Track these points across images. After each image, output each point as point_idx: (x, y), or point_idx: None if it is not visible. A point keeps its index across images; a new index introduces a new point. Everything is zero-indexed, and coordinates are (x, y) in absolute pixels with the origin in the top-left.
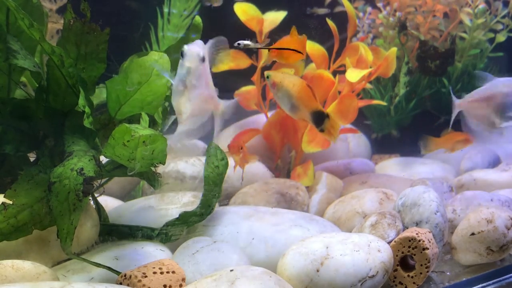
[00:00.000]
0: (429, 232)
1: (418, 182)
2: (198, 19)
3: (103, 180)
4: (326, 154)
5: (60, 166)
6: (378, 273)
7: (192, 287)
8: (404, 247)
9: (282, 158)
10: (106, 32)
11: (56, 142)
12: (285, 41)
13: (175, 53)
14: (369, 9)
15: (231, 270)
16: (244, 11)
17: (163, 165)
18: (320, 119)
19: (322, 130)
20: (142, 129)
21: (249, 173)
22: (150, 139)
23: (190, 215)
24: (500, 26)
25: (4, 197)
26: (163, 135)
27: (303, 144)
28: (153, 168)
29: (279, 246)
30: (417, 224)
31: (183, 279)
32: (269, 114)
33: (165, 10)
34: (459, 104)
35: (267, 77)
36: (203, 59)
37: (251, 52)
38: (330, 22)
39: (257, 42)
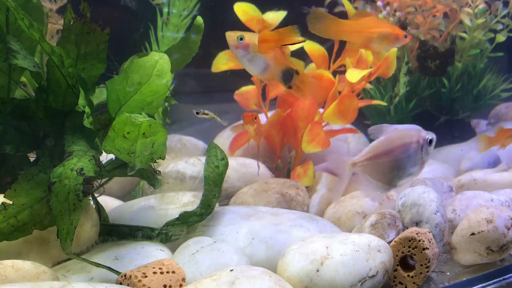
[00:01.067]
0: (429, 232)
1: (418, 182)
2: (199, 19)
3: (103, 180)
4: (326, 154)
5: (60, 166)
6: (378, 273)
7: (192, 287)
8: (404, 247)
9: (282, 158)
10: (106, 32)
11: (56, 142)
12: (277, 32)
13: (176, 54)
14: (369, 9)
15: (231, 270)
16: (244, 11)
17: (163, 160)
18: (289, 76)
19: (290, 87)
20: (142, 118)
21: (249, 173)
22: (150, 129)
23: (190, 215)
24: (500, 26)
25: (4, 197)
26: (163, 126)
27: (303, 144)
28: (152, 164)
29: (279, 246)
30: (417, 224)
31: (183, 279)
32: (269, 114)
33: (165, 10)
34: (353, 163)
35: (241, 38)
36: None
37: None
38: None
39: None
